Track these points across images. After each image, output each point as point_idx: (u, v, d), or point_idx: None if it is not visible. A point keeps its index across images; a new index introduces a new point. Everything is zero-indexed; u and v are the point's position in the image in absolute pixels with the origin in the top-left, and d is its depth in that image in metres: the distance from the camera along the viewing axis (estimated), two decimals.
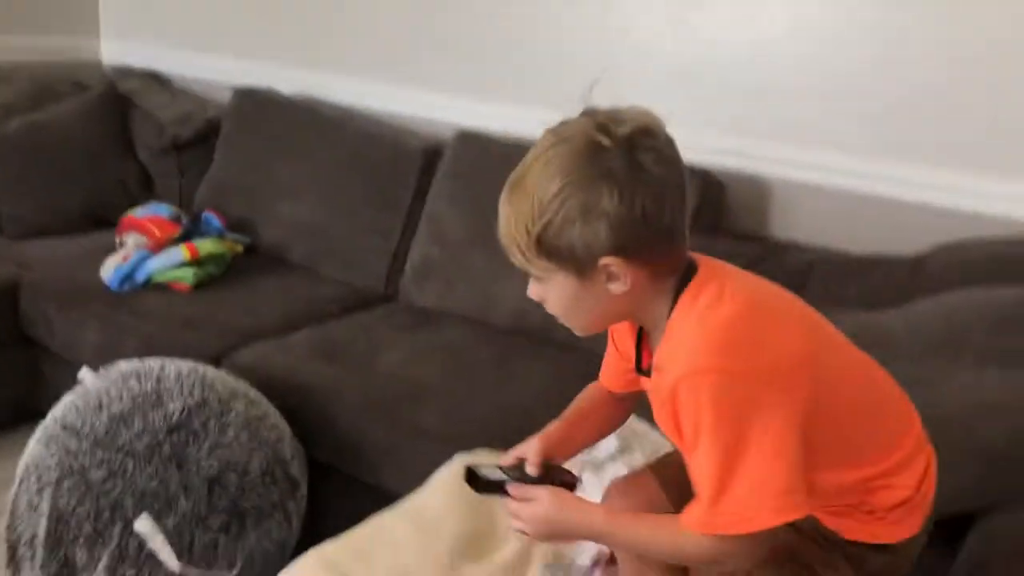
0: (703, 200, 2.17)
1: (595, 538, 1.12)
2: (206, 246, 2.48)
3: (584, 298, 1.03)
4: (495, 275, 2.30)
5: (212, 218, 2.67)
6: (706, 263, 1.06)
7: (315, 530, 1.74)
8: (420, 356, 2.12)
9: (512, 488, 1.10)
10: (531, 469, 1.13)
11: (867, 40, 2.09)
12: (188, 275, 2.41)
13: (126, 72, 3.27)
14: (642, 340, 1.11)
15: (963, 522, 1.48)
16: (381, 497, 1.68)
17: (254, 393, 1.91)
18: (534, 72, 2.51)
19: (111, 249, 2.55)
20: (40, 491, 1.69)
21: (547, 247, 0.99)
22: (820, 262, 2.02)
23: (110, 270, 2.40)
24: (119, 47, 3.41)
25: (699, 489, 1.00)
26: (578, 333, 1.12)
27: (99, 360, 2.07)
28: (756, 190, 2.28)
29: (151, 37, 3.34)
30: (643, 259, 0.99)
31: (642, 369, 1.12)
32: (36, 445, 1.76)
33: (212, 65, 3.15)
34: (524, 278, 1.10)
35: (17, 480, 1.75)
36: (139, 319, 2.28)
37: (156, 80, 3.23)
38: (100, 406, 1.74)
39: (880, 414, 1.12)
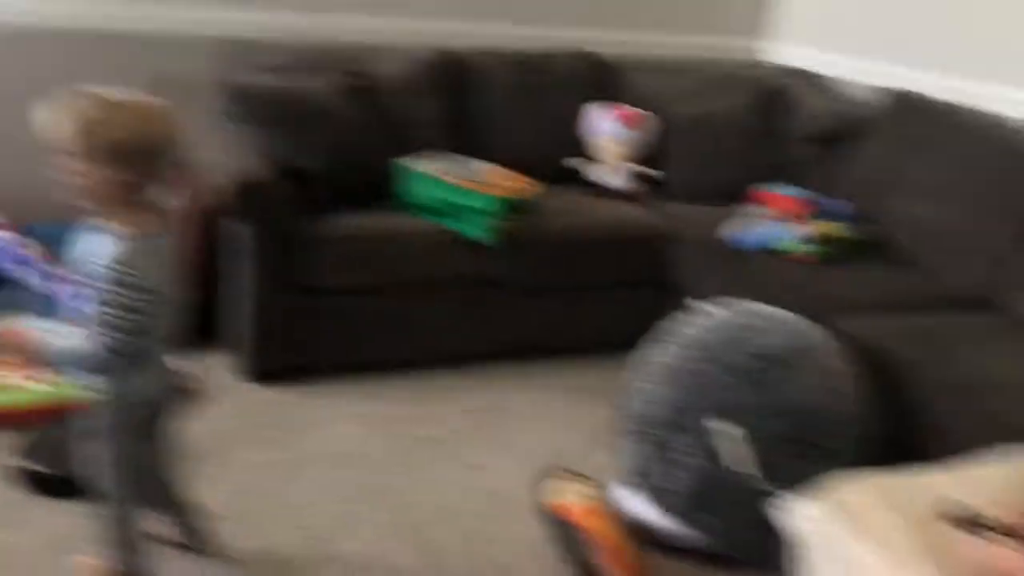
0: None
1: None
2: (829, 228, 2.74)
3: None
4: None
5: (841, 205, 2.90)
6: None
7: None
8: (1007, 357, 2.12)
9: None
10: None
11: None
12: (808, 249, 2.70)
13: (781, 70, 3.68)
14: None
15: None
16: None
17: (841, 353, 2.12)
18: None
19: (750, 215, 2.95)
20: (659, 384, 2.12)
21: None
22: None
23: (741, 233, 2.80)
24: (779, 48, 3.84)
25: None
26: None
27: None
28: None
29: (809, 41, 3.68)
30: None
31: None
32: (663, 351, 2.21)
33: (862, 68, 3.39)
34: None
35: (641, 373, 2.21)
36: (755, 275, 2.64)
37: (808, 78, 3.57)
38: (715, 328, 2.12)
39: None
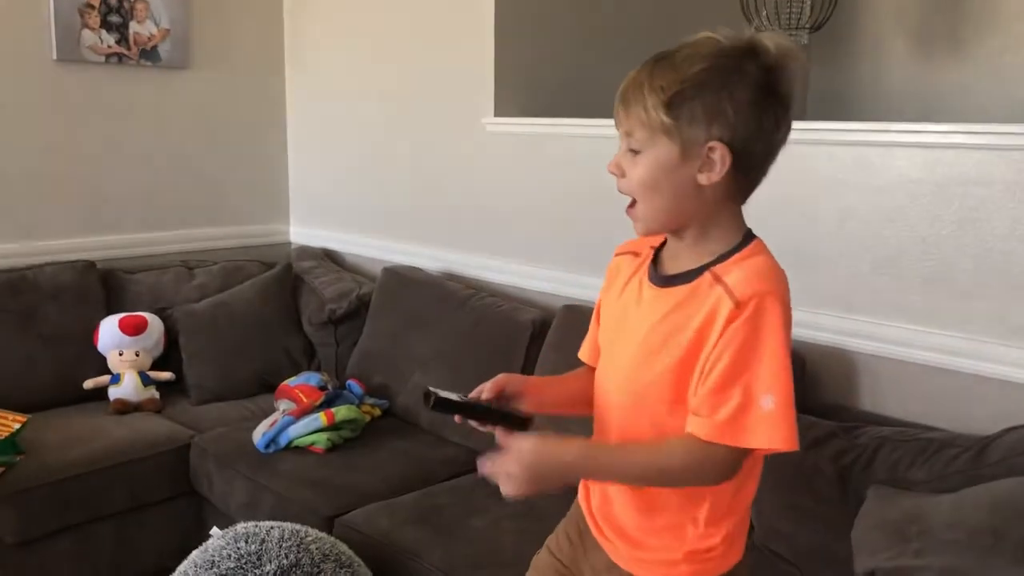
0: None
1: (576, 472, 1.21)
2: (342, 412, 2.79)
3: (671, 178, 1.14)
4: None
5: (354, 385, 3.00)
6: None
7: None
8: (505, 521, 2.27)
9: (498, 433, 1.23)
10: (485, 394, 1.28)
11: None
12: (322, 439, 2.72)
13: (306, 251, 3.79)
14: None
15: None
16: None
17: (348, 556, 2.13)
18: None
19: (270, 413, 2.93)
20: None
21: (676, 102, 1.10)
22: (890, 441, 2.00)
23: (259, 435, 2.76)
24: (302, 230, 3.96)
25: (718, 399, 1.11)
26: (640, 226, 1.22)
27: (244, 515, 2.43)
28: (841, 363, 2.30)
29: (328, 222, 3.85)
30: (738, 166, 1.12)
31: (662, 277, 1.23)
32: None
33: (377, 244, 3.59)
34: None
35: None
36: (275, 479, 2.59)
37: (329, 258, 3.72)
38: (212, 564, 2.03)
39: None
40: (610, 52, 3.18)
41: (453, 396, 1.28)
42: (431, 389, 1.27)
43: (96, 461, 2.72)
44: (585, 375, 1.41)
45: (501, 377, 1.33)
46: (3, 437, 2.57)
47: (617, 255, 1.37)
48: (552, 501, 2.08)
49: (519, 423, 1.26)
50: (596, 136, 2.78)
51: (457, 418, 1.27)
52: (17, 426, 2.63)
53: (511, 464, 1.18)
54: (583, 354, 1.44)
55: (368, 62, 3.55)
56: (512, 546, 2.15)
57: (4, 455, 2.57)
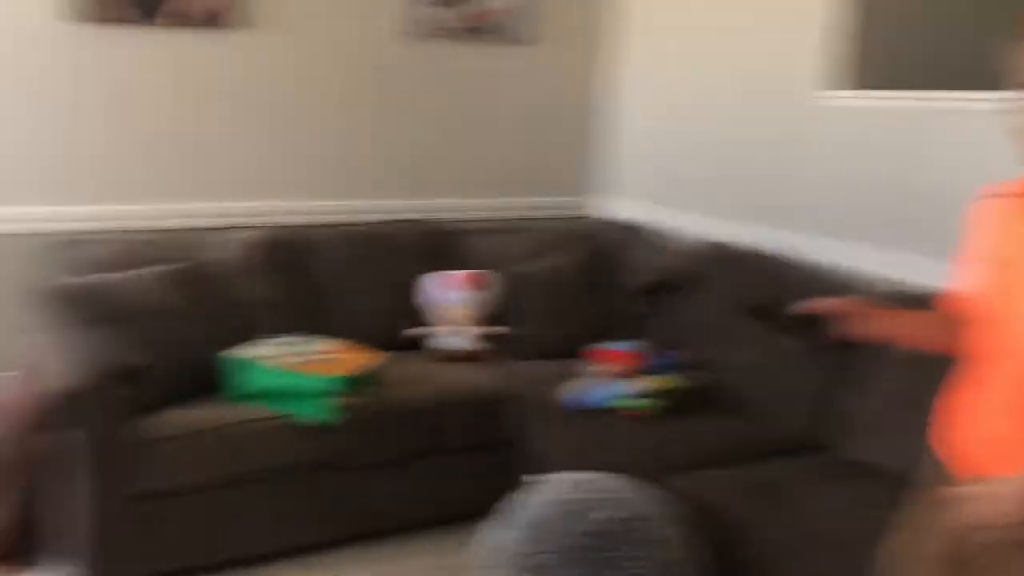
0: None
1: None
2: (660, 381, 2.82)
3: None
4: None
5: (674, 356, 3.00)
6: None
7: None
8: (841, 504, 2.19)
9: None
10: (821, 309, 1.39)
11: None
12: (642, 404, 2.76)
13: (612, 225, 3.86)
14: None
15: None
16: None
17: (674, 518, 2.14)
18: None
19: (591, 375, 3.01)
20: (497, 570, 2.10)
21: None
22: None
23: (579, 394, 2.85)
24: (610, 203, 4.04)
25: None
26: None
27: (557, 469, 2.52)
28: None
29: (637, 195, 3.89)
30: None
31: None
32: (499, 533, 2.19)
33: (697, 220, 3.57)
34: None
35: (481, 557, 2.19)
36: (592, 437, 2.66)
37: (637, 231, 3.75)
38: (546, 506, 2.12)
39: None
40: (960, 22, 2.92)
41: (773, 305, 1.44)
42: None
43: (428, 403, 2.95)
44: (944, 321, 1.46)
45: (846, 301, 1.43)
46: (366, 372, 2.85)
47: (996, 196, 1.37)
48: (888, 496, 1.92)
49: (824, 341, 1.39)
50: (946, 110, 2.60)
51: (769, 325, 1.45)
52: (375, 363, 2.91)
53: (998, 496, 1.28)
54: (955, 303, 1.44)
55: (697, 37, 3.53)
56: (848, 530, 2.06)
57: (366, 387, 2.84)
